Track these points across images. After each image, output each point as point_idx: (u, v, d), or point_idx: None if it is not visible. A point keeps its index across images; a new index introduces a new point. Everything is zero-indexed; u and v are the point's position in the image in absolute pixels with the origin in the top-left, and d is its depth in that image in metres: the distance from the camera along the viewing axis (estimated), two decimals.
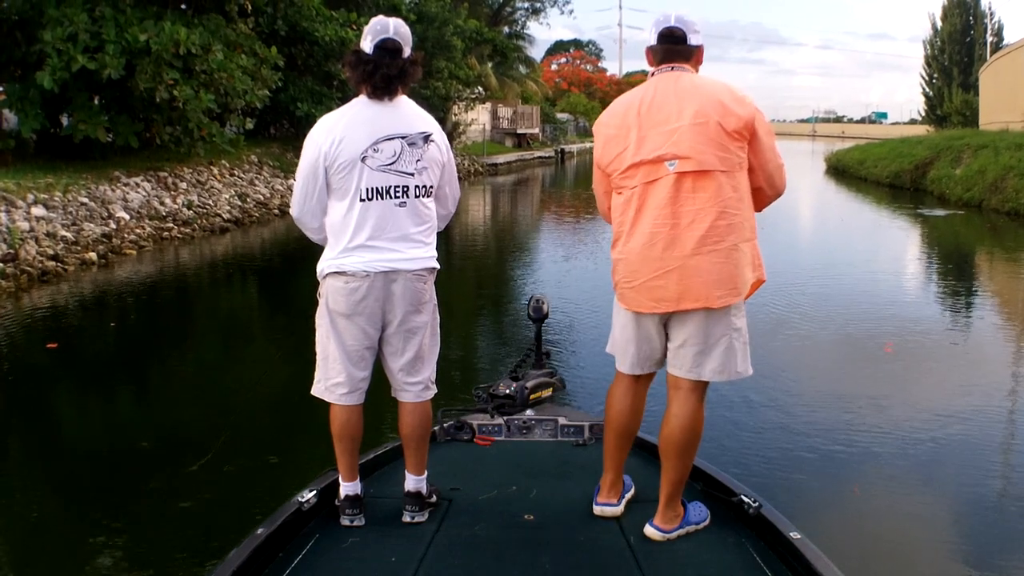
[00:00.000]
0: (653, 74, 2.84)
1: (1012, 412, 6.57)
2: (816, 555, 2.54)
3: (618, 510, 2.98)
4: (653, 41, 2.85)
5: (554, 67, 77.08)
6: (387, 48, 2.84)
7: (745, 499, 2.91)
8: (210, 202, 17.17)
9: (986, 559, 4.23)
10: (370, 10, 25.17)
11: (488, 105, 45.53)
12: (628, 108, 2.82)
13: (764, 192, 2.86)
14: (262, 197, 19.21)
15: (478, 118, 43.19)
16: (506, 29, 46.77)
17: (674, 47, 2.83)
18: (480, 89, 40.00)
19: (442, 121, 34.52)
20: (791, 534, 2.67)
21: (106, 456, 5.64)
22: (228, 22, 18.17)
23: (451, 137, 36.71)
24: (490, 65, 41.93)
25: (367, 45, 2.84)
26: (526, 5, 48.75)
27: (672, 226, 2.69)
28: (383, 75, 2.82)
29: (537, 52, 50.60)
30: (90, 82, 15.21)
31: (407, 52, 2.88)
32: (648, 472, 3.18)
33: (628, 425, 2.99)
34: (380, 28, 2.86)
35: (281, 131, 24.30)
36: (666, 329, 2.86)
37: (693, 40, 2.84)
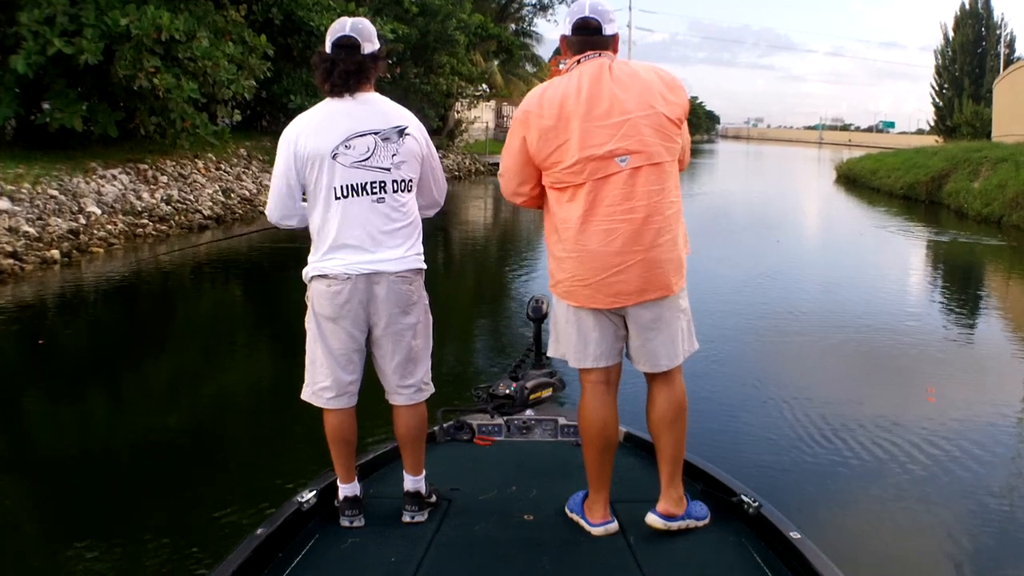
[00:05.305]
0: (580, 62, 2.78)
1: None
2: (816, 555, 2.54)
3: (617, 525, 2.92)
4: (568, 32, 2.83)
5: (562, 66, 76.22)
6: (343, 45, 2.88)
7: (745, 499, 2.91)
8: (191, 197, 16.35)
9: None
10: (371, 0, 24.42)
11: (492, 103, 44.81)
12: (564, 98, 2.73)
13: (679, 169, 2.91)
14: (248, 193, 18.37)
15: (481, 116, 42.46)
16: (513, 26, 45.91)
17: (590, 38, 2.80)
18: (485, 87, 39.31)
19: (443, 118, 33.88)
20: (791, 534, 2.67)
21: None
22: (218, 8, 17.41)
23: (452, 135, 35.98)
24: (496, 62, 41.15)
25: (327, 44, 2.91)
26: (534, 1, 47.84)
27: (629, 221, 2.69)
28: (340, 72, 2.86)
29: (545, 51, 49.55)
30: (68, 68, 14.45)
31: (368, 48, 2.90)
32: (645, 472, 3.18)
33: (611, 437, 2.93)
34: (338, 27, 2.92)
35: (274, 124, 23.54)
36: (623, 320, 2.85)
37: (609, 30, 2.82)
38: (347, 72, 2.86)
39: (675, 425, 2.87)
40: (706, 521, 2.89)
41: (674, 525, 2.83)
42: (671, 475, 2.86)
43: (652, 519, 2.83)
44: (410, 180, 2.94)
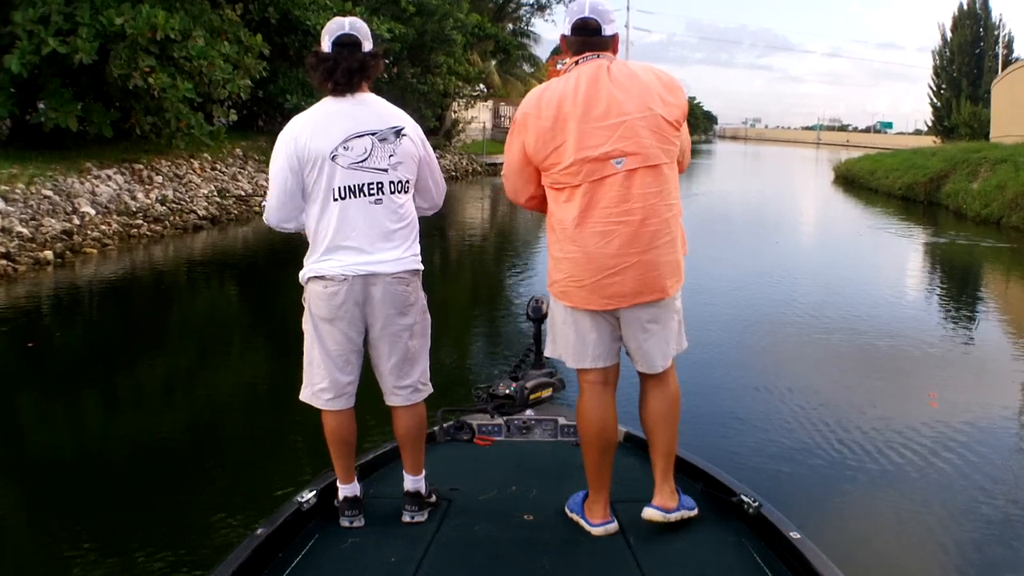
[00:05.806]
0: (578, 63, 2.78)
1: None
2: (816, 555, 2.54)
3: (616, 525, 2.92)
4: (567, 32, 2.82)
5: (559, 66, 76.07)
6: (344, 43, 2.87)
7: (745, 499, 2.91)
8: (186, 198, 16.26)
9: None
10: None
11: (490, 103, 44.70)
12: (562, 99, 2.72)
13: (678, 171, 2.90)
14: (243, 193, 18.29)
15: (478, 116, 42.37)
16: (510, 26, 45.83)
17: (589, 39, 2.80)
18: (482, 87, 39.23)
19: (440, 118, 33.78)
20: (791, 534, 2.67)
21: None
22: (214, 7, 17.33)
23: (449, 135, 35.87)
24: (493, 63, 41.09)
25: (326, 44, 2.89)
26: (531, 1, 47.75)
27: (626, 223, 2.68)
28: (344, 69, 2.85)
29: (542, 51, 49.51)
30: (63, 67, 14.38)
31: (367, 46, 2.91)
32: (645, 472, 3.14)
33: (610, 437, 2.93)
34: (336, 27, 2.92)
35: (270, 124, 23.45)
36: (619, 321, 2.85)
37: (608, 30, 2.82)
38: (350, 70, 2.85)
39: (669, 421, 2.91)
40: (695, 512, 2.90)
41: (672, 517, 2.84)
42: (665, 470, 2.90)
43: (652, 513, 2.84)
44: (407, 181, 2.94)
